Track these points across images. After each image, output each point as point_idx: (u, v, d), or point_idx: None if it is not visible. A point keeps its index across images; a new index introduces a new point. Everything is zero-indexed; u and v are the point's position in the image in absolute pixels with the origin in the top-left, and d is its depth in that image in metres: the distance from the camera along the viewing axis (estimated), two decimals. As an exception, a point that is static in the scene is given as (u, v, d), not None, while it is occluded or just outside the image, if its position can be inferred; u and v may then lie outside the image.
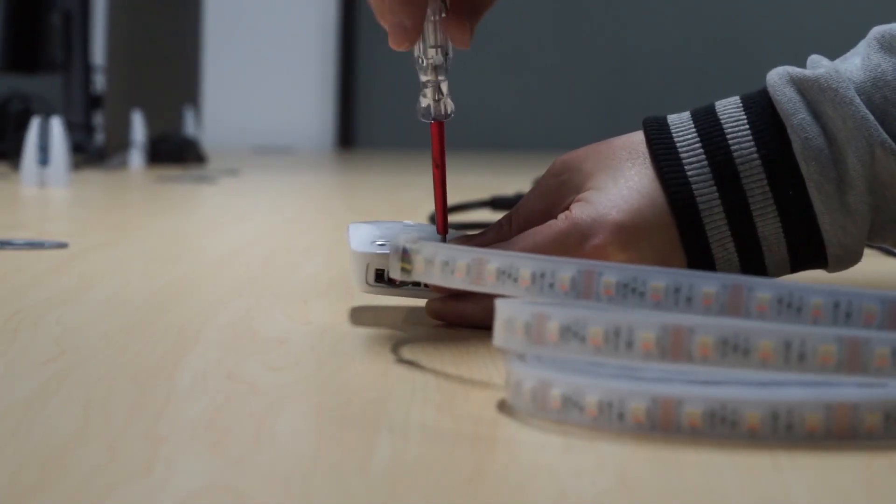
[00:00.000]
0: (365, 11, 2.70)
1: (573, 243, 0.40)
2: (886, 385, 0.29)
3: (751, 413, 0.28)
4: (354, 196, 1.21)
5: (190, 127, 1.68)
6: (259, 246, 0.71)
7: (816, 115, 0.41)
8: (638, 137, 0.42)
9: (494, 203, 0.78)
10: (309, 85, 2.65)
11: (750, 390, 0.29)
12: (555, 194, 0.43)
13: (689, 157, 0.41)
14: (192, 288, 0.52)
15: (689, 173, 0.41)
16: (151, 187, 1.18)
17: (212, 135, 2.19)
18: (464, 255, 0.34)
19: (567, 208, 0.42)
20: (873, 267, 0.64)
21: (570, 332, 0.29)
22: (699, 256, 0.41)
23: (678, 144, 0.41)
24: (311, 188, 1.34)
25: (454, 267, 0.34)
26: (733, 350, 0.28)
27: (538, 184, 0.43)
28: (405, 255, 0.37)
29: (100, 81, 1.46)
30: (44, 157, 1.10)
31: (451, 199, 0.83)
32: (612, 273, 0.31)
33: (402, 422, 0.31)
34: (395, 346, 0.40)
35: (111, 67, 1.40)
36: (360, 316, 0.45)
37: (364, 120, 2.66)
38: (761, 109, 0.41)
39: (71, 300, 0.48)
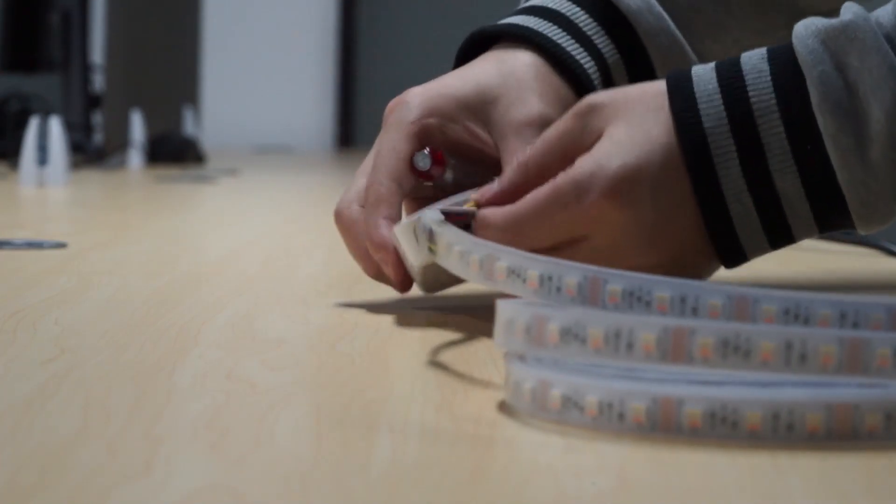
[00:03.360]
0: (364, 11, 2.70)
1: (571, 202, 0.39)
2: (887, 385, 0.29)
3: (751, 413, 0.28)
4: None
5: (189, 126, 1.68)
6: (258, 246, 0.71)
7: (840, 66, 0.40)
8: (664, 86, 0.41)
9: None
10: (308, 85, 2.64)
11: (751, 390, 0.29)
12: (575, 137, 0.41)
13: (706, 107, 0.40)
14: (191, 288, 0.52)
15: (705, 123, 0.40)
16: (150, 187, 1.18)
17: (211, 134, 2.19)
18: (478, 249, 0.34)
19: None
20: (873, 267, 0.64)
21: (570, 334, 0.29)
22: (713, 209, 0.40)
23: (697, 94, 0.40)
24: (311, 188, 1.34)
25: (468, 260, 0.34)
26: (734, 351, 0.28)
27: (562, 123, 0.42)
28: (431, 236, 0.37)
29: (99, 81, 1.46)
30: (42, 157, 1.10)
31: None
32: (617, 281, 0.31)
33: (402, 422, 0.31)
34: (396, 347, 0.40)
35: (110, 67, 1.40)
36: (360, 316, 0.45)
37: (364, 119, 2.66)
38: (785, 61, 0.40)
39: (70, 300, 0.48)
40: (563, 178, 0.40)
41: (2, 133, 1.41)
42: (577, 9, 0.48)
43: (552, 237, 0.40)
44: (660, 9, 0.49)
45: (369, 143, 0.47)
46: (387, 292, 0.51)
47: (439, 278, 0.44)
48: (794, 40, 0.40)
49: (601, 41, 0.48)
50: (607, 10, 0.48)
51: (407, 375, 0.36)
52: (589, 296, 0.31)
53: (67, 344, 0.40)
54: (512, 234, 0.40)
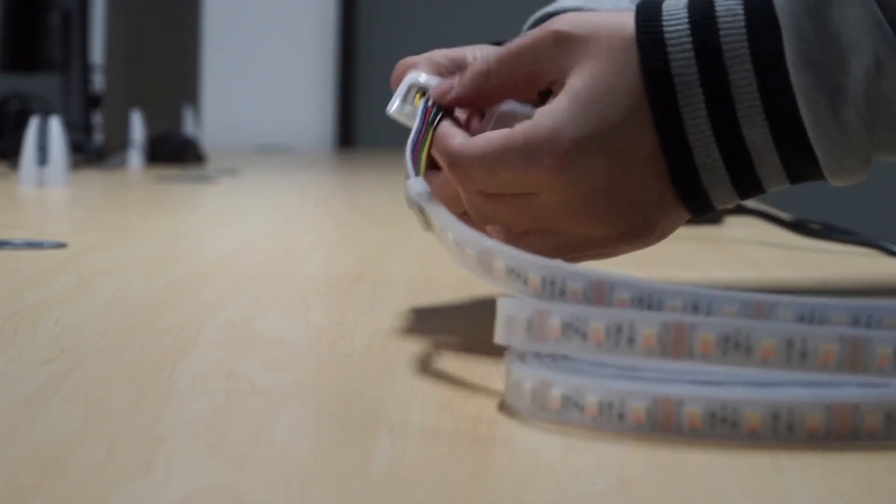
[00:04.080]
0: (364, 11, 2.70)
1: (519, 164, 0.38)
2: (887, 385, 0.29)
3: (751, 413, 0.28)
4: (354, 195, 1.21)
5: (189, 126, 1.68)
6: (258, 246, 0.71)
7: (819, 17, 0.37)
8: (632, 27, 0.39)
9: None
10: (308, 84, 2.64)
11: (750, 390, 0.29)
12: (539, 65, 0.39)
13: (675, 51, 0.38)
14: (191, 288, 0.52)
15: (674, 72, 0.38)
16: (150, 187, 1.18)
17: (211, 134, 2.19)
18: (473, 244, 0.33)
19: (545, 90, 0.39)
20: (873, 267, 0.64)
21: (571, 329, 0.29)
22: (679, 162, 0.38)
23: (666, 36, 0.38)
24: (311, 188, 1.34)
25: (464, 251, 0.33)
26: (735, 347, 0.28)
27: (531, 41, 0.39)
28: (422, 210, 0.36)
29: (99, 81, 1.46)
30: (42, 157, 1.10)
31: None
32: (624, 289, 0.30)
33: (402, 422, 0.31)
34: (396, 347, 0.40)
35: (110, 67, 1.40)
36: (360, 316, 0.45)
37: (364, 119, 2.66)
38: (763, 6, 0.38)
39: (70, 300, 0.48)
40: (514, 138, 0.38)
41: (2, 133, 1.41)
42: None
43: (498, 188, 0.39)
44: None
45: (369, 144, 0.47)
46: (387, 293, 0.51)
47: None
48: None
49: None
50: None
51: (407, 375, 0.36)
52: (595, 302, 0.31)
53: (67, 344, 0.40)
54: (459, 176, 0.39)
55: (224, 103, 2.53)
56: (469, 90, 0.41)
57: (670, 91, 0.38)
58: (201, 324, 0.44)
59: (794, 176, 0.40)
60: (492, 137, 0.39)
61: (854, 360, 0.28)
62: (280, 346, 0.40)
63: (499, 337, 0.31)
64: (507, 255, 0.32)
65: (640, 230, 0.40)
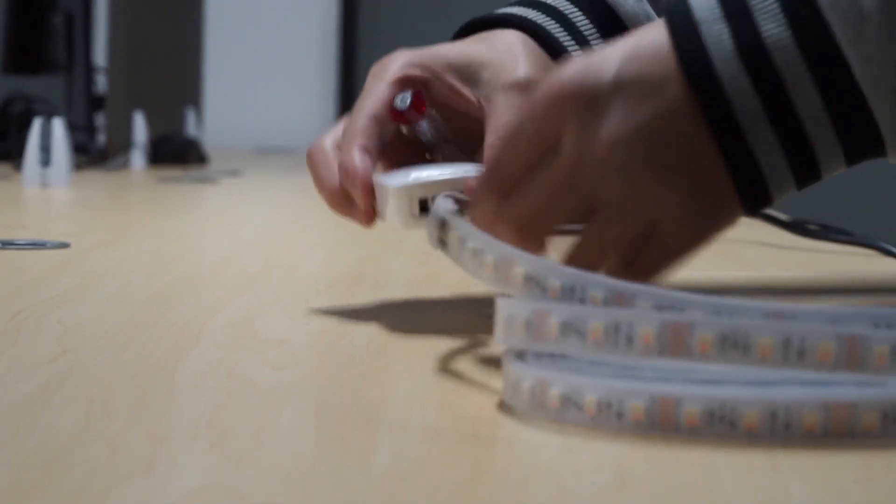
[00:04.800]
0: (365, 14, 2.70)
1: (539, 120, 0.36)
2: (884, 384, 0.29)
3: (749, 412, 0.28)
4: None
5: (191, 128, 1.68)
6: (260, 246, 0.71)
7: (870, 23, 0.35)
8: (666, 40, 0.36)
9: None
10: (310, 86, 2.64)
11: (748, 390, 0.29)
12: (555, 116, 0.37)
13: (722, 67, 0.35)
14: (193, 288, 0.52)
15: (727, 88, 0.35)
16: (153, 188, 1.18)
17: (213, 135, 2.19)
18: (492, 250, 0.32)
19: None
20: (870, 267, 0.64)
21: (570, 328, 0.29)
22: (743, 170, 0.36)
23: (709, 48, 0.35)
24: (312, 188, 1.34)
25: (482, 261, 0.33)
26: (733, 346, 0.28)
27: (540, 94, 0.37)
28: (443, 226, 0.36)
29: (102, 82, 1.46)
30: (45, 158, 1.10)
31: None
32: (646, 297, 0.29)
33: (403, 421, 0.31)
34: (396, 347, 0.40)
35: (113, 68, 1.41)
36: (360, 316, 0.46)
37: (365, 120, 2.65)
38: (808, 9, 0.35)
39: (73, 300, 0.48)
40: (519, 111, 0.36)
41: (5, 134, 1.41)
42: (575, 8, 0.47)
43: (534, 179, 0.37)
44: (654, 14, 0.48)
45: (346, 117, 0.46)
46: (387, 293, 0.51)
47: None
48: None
49: (595, 41, 0.47)
50: (604, 12, 0.47)
51: (407, 375, 0.36)
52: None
53: (70, 343, 0.40)
54: (496, 196, 0.37)
55: (226, 104, 2.53)
56: (492, 188, 0.38)
57: (729, 113, 0.36)
58: (202, 323, 0.44)
59: (852, 159, 0.38)
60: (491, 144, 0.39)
61: (852, 358, 0.28)
62: (281, 346, 0.40)
63: (498, 337, 0.31)
64: (525, 259, 0.32)
65: (704, 237, 0.38)
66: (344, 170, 0.43)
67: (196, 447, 0.28)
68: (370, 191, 0.43)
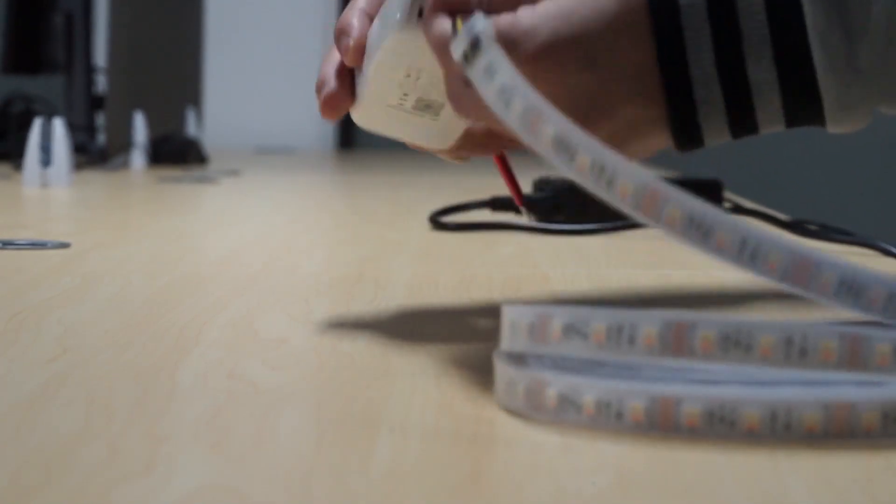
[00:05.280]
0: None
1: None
2: (884, 384, 0.29)
3: (749, 412, 0.28)
4: (355, 196, 1.21)
5: (191, 128, 1.68)
6: (260, 246, 0.71)
7: None
8: None
9: (493, 203, 0.78)
10: (310, 86, 2.64)
11: (748, 390, 0.29)
12: None
13: (688, 16, 0.35)
14: (193, 287, 0.52)
15: (687, 41, 0.35)
16: (153, 188, 1.18)
17: (213, 135, 2.19)
18: (523, 99, 0.30)
19: None
20: (877, 267, 0.63)
21: (572, 330, 0.30)
22: (678, 92, 0.36)
23: None
24: (312, 188, 1.35)
25: (510, 103, 0.30)
26: (735, 346, 0.28)
27: None
28: (476, 45, 0.33)
29: (102, 82, 1.46)
30: (46, 158, 1.11)
31: (452, 200, 0.83)
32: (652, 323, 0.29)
33: (402, 421, 0.31)
34: (396, 347, 0.40)
35: (113, 68, 1.41)
36: (360, 316, 0.46)
37: (365, 121, 2.65)
38: None
39: (73, 300, 0.48)
40: (501, 24, 0.36)
41: (5, 134, 1.41)
42: None
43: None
44: None
45: (370, 145, 0.46)
46: (387, 293, 0.51)
47: (386, 99, 0.40)
48: None
49: None
50: None
51: (407, 375, 0.36)
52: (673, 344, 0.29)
53: (70, 343, 0.40)
54: (445, 57, 0.36)
55: (226, 105, 2.53)
56: None
57: (675, 18, 0.36)
58: (203, 323, 0.44)
59: (792, 120, 0.37)
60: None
61: (854, 357, 0.28)
62: (281, 346, 0.40)
63: (504, 344, 0.31)
64: (556, 122, 0.30)
65: (614, 143, 0.37)
66: (341, 28, 0.41)
67: (196, 447, 0.28)
68: (360, 51, 0.40)
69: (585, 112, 0.37)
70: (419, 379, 0.35)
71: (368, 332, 0.42)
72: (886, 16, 0.35)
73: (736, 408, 0.28)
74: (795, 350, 0.28)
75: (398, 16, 0.39)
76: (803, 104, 0.37)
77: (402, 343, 0.40)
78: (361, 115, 0.41)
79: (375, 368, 0.37)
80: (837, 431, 0.28)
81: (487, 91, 0.32)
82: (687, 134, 0.38)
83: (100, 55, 1.48)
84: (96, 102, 1.46)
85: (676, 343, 0.29)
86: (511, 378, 0.31)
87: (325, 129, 2.64)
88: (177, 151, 1.46)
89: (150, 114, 1.44)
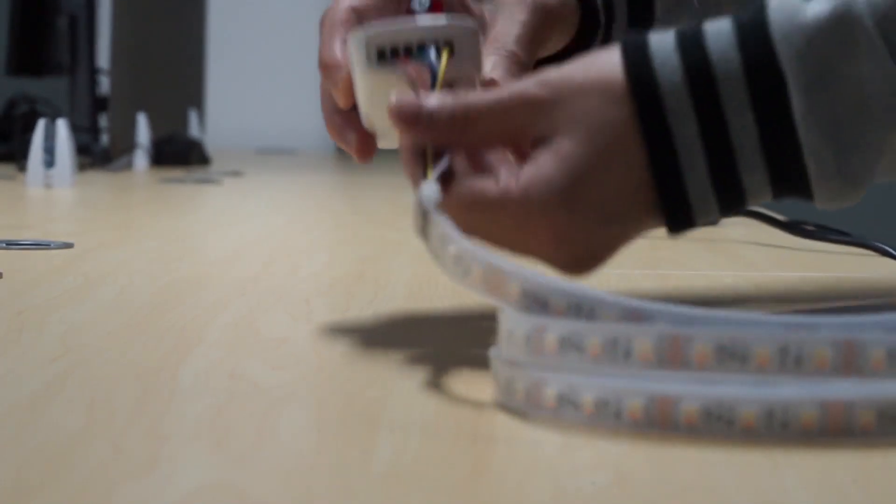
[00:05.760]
0: (369, 13, 2.69)
1: (511, 224, 0.36)
2: (880, 383, 0.29)
3: (747, 411, 0.28)
4: (356, 196, 1.21)
5: (194, 129, 1.69)
6: (261, 246, 0.71)
7: (829, 71, 0.35)
8: (620, 74, 0.36)
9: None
10: (312, 87, 2.64)
11: (746, 389, 0.29)
12: (528, 120, 0.36)
13: (672, 104, 0.35)
14: (195, 287, 0.53)
15: (671, 125, 0.35)
16: (156, 188, 1.18)
17: (215, 137, 2.19)
18: (478, 261, 0.31)
19: (527, 149, 0.36)
20: (867, 268, 0.64)
21: (568, 344, 0.30)
22: (677, 212, 0.37)
23: (662, 90, 0.35)
24: (313, 189, 1.35)
25: (468, 268, 0.32)
26: (731, 357, 0.29)
27: (517, 91, 0.37)
28: (425, 217, 0.34)
29: (105, 84, 1.47)
30: (49, 159, 1.11)
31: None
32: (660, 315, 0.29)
33: (403, 420, 0.31)
34: (396, 345, 0.40)
35: (116, 70, 1.41)
36: (361, 315, 0.46)
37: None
38: (762, 53, 0.35)
39: (76, 299, 0.48)
40: (513, 193, 0.36)
41: (9, 136, 1.42)
42: None
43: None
44: None
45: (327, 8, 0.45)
46: (387, 292, 0.52)
47: (382, 110, 0.39)
48: (776, 34, 0.36)
49: None
50: None
51: (407, 374, 0.36)
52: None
53: (73, 343, 0.40)
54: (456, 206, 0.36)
55: (228, 106, 2.54)
56: (440, 133, 0.37)
57: (669, 145, 0.36)
58: (204, 323, 0.44)
59: (780, 198, 0.39)
60: (484, 194, 0.36)
61: (848, 363, 0.28)
62: (282, 346, 0.40)
63: (500, 351, 0.32)
64: (521, 276, 0.31)
65: (609, 243, 0.37)
66: (325, 65, 0.41)
67: (198, 446, 0.28)
68: (349, 85, 0.40)
69: (587, 227, 0.37)
70: (419, 378, 0.35)
71: (369, 331, 0.43)
72: (879, 131, 0.36)
73: (734, 406, 0.28)
74: (791, 359, 0.28)
75: (361, 60, 0.39)
76: (794, 195, 0.38)
77: (403, 342, 0.41)
78: (386, 143, 0.42)
79: (376, 368, 0.37)
80: (834, 430, 0.28)
81: (444, 259, 0.33)
82: (681, 230, 0.38)
83: (103, 57, 1.48)
84: (100, 104, 1.47)
85: (672, 356, 0.29)
86: (510, 377, 0.31)
87: (326, 131, 2.64)
88: (179, 152, 1.46)
89: (153, 115, 1.45)
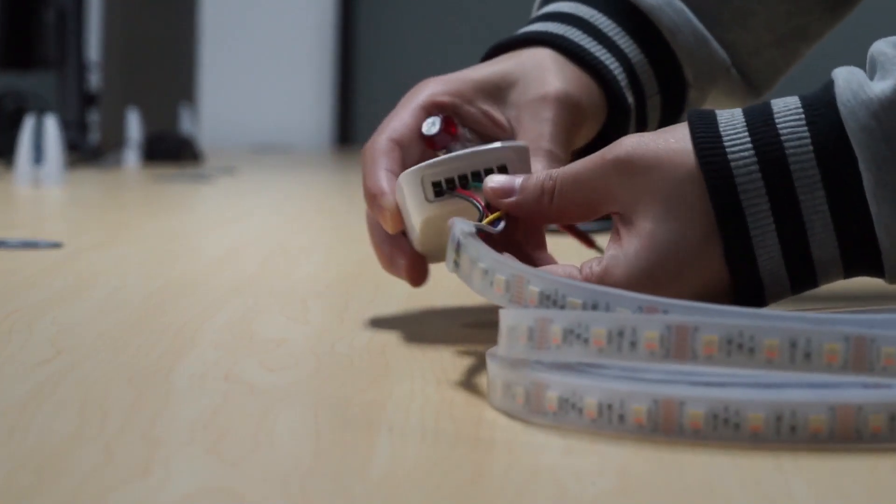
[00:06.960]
0: (363, 10, 2.70)
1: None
2: (891, 386, 0.29)
3: (754, 415, 0.28)
4: (353, 194, 1.21)
5: (186, 125, 1.68)
6: (257, 245, 0.71)
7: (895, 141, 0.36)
8: (690, 147, 0.37)
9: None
10: (307, 82, 2.64)
11: (753, 392, 0.28)
12: (603, 194, 0.38)
13: (743, 181, 0.36)
14: (189, 288, 0.52)
15: (743, 202, 0.36)
16: (147, 186, 1.18)
17: (208, 133, 2.19)
18: (503, 270, 0.32)
19: (609, 217, 0.38)
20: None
21: (573, 335, 0.29)
22: (749, 288, 0.37)
23: (733, 166, 0.36)
24: (309, 187, 1.34)
25: (493, 279, 0.32)
26: (738, 349, 0.28)
27: (594, 168, 0.38)
28: (458, 248, 0.34)
29: (95, 79, 1.46)
30: (38, 156, 1.10)
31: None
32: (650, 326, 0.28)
33: (402, 423, 0.30)
34: (396, 347, 0.40)
35: (106, 65, 1.40)
36: (359, 317, 0.45)
37: (362, 117, 2.66)
38: (830, 128, 0.36)
39: (66, 300, 0.48)
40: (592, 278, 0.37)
41: (-3, 131, 1.41)
42: (595, 11, 0.47)
43: None
44: (681, 4, 0.47)
45: (367, 142, 0.46)
46: (386, 293, 0.51)
47: (441, 238, 0.40)
48: (842, 108, 0.36)
49: (623, 41, 0.47)
50: (626, 9, 0.47)
51: (406, 377, 0.35)
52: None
53: (64, 345, 0.39)
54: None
55: (221, 101, 2.53)
56: (529, 204, 0.38)
57: (741, 223, 0.37)
58: (199, 324, 0.43)
59: (851, 276, 0.39)
60: (556, 270, 0.38)
61: (859, 360, 0.28)
62: (279, 347, 0.40)
63: (502, 349, 0.31)
64: (540, 279, 0.31)
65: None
66: (370, 195, 0.42)
67: (193, 449, 0.28)
68: (398, 214, 0.41)
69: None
70: (418, 380, 0.35)
71: (367, 333, 0.42)
72: None
73: (740, 410, 0.28)
74: (800, 353, 0.28)
75: (417, 196, 0.40)
76: (864, 270, 0.38)
77: (401, 344, 0.40)
78: (436, 258, 0.42)
79: (374, 370, 0.37)
80: (843, 434, 0.28)
81: (473, 280, 0.34)
82: (752, 301, 0.39)
83: (93, 51, 1.47)
84: (89, 99, 1.46)
85: (678, 347, 0.28)
86: (508, 380, 0.31)
87: (322, 126, 2.64)
88: (171, 149, 1.46)
89: (144, 111, 1.44)
